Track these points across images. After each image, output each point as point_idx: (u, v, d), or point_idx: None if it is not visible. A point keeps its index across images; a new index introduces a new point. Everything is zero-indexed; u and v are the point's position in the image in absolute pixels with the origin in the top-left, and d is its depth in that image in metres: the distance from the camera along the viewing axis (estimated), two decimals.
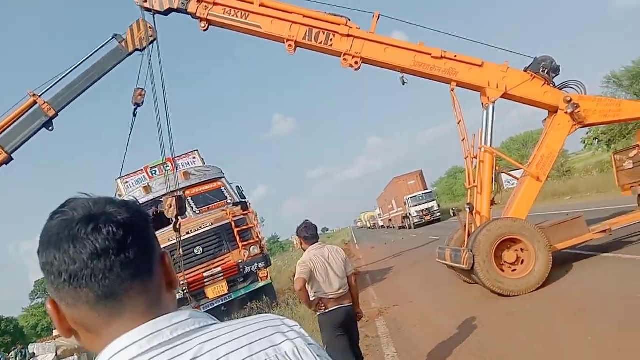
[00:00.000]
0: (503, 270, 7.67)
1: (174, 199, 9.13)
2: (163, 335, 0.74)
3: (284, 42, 8.22)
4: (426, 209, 36.77)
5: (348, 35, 8.24)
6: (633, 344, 4.42)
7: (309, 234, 4.74)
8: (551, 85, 8.46)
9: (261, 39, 8.59)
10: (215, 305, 9.60)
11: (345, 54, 8.28)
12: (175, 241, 9.33)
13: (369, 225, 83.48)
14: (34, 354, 17.29)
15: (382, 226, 63.20)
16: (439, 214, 37.08)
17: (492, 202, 8.74)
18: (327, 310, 4.48)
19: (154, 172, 11.30)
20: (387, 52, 8.39)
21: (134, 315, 0.76)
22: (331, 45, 8.28)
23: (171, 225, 9.21)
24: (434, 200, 38.25)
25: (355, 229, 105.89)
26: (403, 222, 42.35)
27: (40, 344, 18.14)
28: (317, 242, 4.75)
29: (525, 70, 8.52)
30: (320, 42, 8.24)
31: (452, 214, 10.00)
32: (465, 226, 9.13)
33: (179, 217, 9.26)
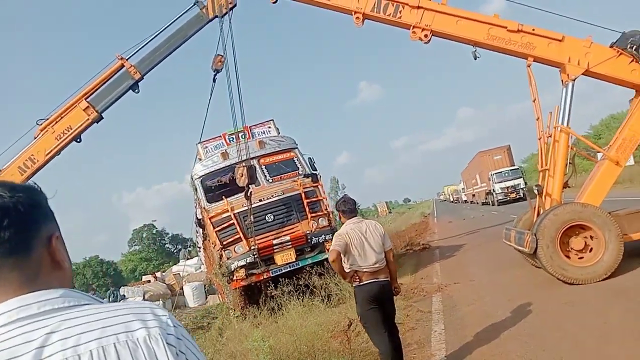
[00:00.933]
0: (569, 257, 7.35)
1: (245, 168, 9.51)
2: (30, 309, 0.84)
3: (351, 14, 8.16)
4: (511, 186, 35.17)
5: (418, 7, 7.99)
6: None
7: (347, 207, 4.86)
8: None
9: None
10: (283, 271, 9.92)
11: (414, 27, 8.08)
12: (247, 208, 9.84)
13: (451, 199, 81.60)
14: (124, 295, 19.04)
15: (465, 201, 61.60)
16: (524, 192, 35.44)
17: (565, 185, 8.30)
18: (361, 283, 4.61)
19: (231, 139, 11.70)
20: (459, 24, 8.08)
21: (6, 289, 0.88)
22: (400, 17, 8.10)
23: (248, 189, 9.63)
24: (520, 177, 36.38)
25: (437, 202, 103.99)
26: (486, 199, 41.02)
27: (130, 288, 19.95)
28: (355, 216, 4.85)
29: (611, 46, 7.86)
30: (389, 15, 8.08)
31: (522, 194, 9.59)
32: (534, 208, 8.82)
33: (250, 186, 9.65)
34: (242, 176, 9.52)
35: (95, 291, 23.31)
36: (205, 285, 19.47)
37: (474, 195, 50.63)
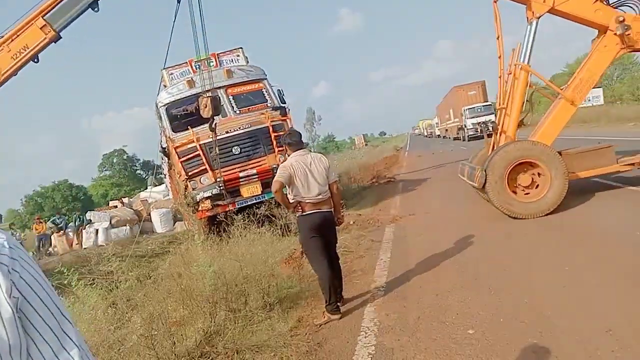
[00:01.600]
0: (516, 193, 7.63)
1: (210, 99, 9.31)
2: None
3: None
4: (483, 122, 35.50)
5: None
6: (602, 280, 4.48)
7: (293, 140, 4.90)
8: (604, 2, 7.73)
9: None
10: (249, 203, 9.94)
11: None
12: (211, 139, 9.72)
13: (425, 134, 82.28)
14: (90, 220, 19.07)
15: (438, 135, 62.16)
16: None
17: (521, 123, 8.46)
18: (304, 213, 4.75)
19: (197, 66, 11.31)
20: None
21: None
22: None
23: (212, 121, 9.49)
24: (492, 113, 36.56)
25: (412, 136, 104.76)
26: (458, 134, 41.45)
27: (97, 212, 19.93)
28: (302, 149, 4.91)
29: None
30: None
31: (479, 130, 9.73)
32: (490, 144, 9.02)
33: (214, 117, 9.50)
34: (206, 107, 9.34)
35: (65, 215, 23.22)
36: (172, 212, 19.61)
37: (446, 130, 51.06)
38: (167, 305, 4.84)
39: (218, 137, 9.74)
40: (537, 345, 3.51)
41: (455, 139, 43.43)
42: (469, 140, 35.52)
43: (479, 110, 36.21)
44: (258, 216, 8.71)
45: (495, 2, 8.05)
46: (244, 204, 9.85)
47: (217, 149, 9.71)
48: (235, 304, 5.03)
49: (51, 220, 20.38)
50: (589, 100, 37.50)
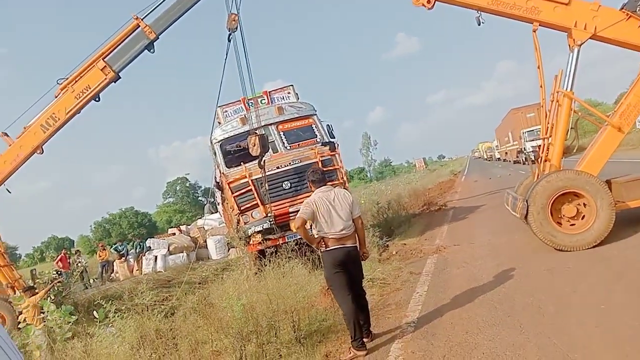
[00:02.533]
0: (560, 224, 7.37)
1: (257, 137, 9.65)
2: None
3: None
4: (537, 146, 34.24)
5: None
6: (637, 320, 4.26)
7: (316, 177, 5.05)
8: None
9: None
10: (298, 236, 10.03)
11: None
12: (260, 175, 10.00)
13: (485, 157, 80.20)
14: (149, 247, 19.93)
15: (498, 159, 60.47)
16: None
17: (567, 151, 8.21)
18: (327, 249, 4.85)
19: (250, 104, 11.75)
20: None
21: None
22: None
23: (261, 158, 9.75)
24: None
25: (471, 159, 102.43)
26: (517, 157, 40.17)
27: (155, 240, 20.82)
28: (324, 185, 5.03)
29: (621, 9, 7.55)
30: None
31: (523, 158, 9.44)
32: (534, 174, 8.79)
33: (263, 155, 9.76)
34: (254, 145, 9.65)
35: (128, 242, 24.42)
36: (227, 239, 20.16)
37: (506, 153, 49.62)
38: (198, 337, 5.03)
39: (269, 172, 10.03)
40: None
41: (515, 162, 42.12)
42: (530, 164, 34.32)
43: (537, 133, 34.97)
44: (291, 249, 8.82)
45: (535, 31, 7.93)
46: (293, 238, 9.92)
47: (266, 185, 9.98)
48: (266, 337, 5.16)
49: (113, 247, 21.48)
50: None
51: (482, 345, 4.48)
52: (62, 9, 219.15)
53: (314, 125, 11.10)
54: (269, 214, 10.10)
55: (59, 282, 12.56)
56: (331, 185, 10.22)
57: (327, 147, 10.78)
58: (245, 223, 10.24)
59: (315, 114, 11.34)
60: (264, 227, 10.12)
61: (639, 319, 4.27)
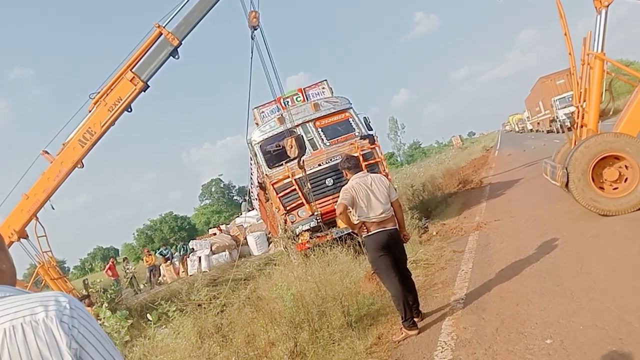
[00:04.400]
0: (603, 189, 7.24)
1: (293, 139, 9.71)
2: None
3: None
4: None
5: None
6: None
7: (351, 164, 5.13)
8: None
9: None
10: (345, 232, 10.08)
11: None
12: (302, 175, 10.05)
13: (517, 129, 78.27)
14: (193, 249, 20.45)
15: (530, 130, 59.12)
16: None
17: (602, 114, 8.04)
18: (370, 233, 4.92)
19: (286, 102, 11.76)
20: None
21: None
22: None
23: (300, 158, 9.82)
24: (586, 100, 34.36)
25: (503, 133, 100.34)
26: (550, 126, 39.21)
27: (198, 241, 21.33)
28: (360, 171, 5.10)
29: None
30: None
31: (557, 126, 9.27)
32: (571, 140, 8.63)
33: (301, 156, 9.83)
34: (291, 147, 9.70)
35: (171, 245, 25.08)
36: (266, 234, 20.47)
37: (538, 123, 48.47)
38: (253, 329, 5.20)
39: (311, 171, 10.07)
40: (616, 353, 3.40)
41: (548, 131, 41.11)
42: (563, 132, 33.50)
43: (569, 99, 34.04)
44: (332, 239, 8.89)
45: None
46: (341, 234, 9.94)
47: (308, 184, 10.00)
48: (317, 324, 5.29)
49: (158, 252, 22.10)
50: None
51: (534, 315, 4.49)
52: (83, 25, 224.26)
53: (351, 119, 11.05)
54: (315, 212, 10.15)
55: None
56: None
57: (367, 141, 10.72)
58: (292, 222, 10.30)
59: (352, 107, 11.27)
60: (311, 226, 10.17)
61: None
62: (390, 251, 4.94)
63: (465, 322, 4.87)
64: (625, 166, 7.12)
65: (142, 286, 19.84)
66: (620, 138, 7.15)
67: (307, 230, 10.15)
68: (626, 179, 7.14)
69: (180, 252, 20.68)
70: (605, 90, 7.94)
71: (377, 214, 4.87)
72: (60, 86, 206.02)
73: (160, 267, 21.05)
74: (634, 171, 7.02)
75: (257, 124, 11.93)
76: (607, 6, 7.53)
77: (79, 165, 12.26)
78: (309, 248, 10.12)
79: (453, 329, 4.81)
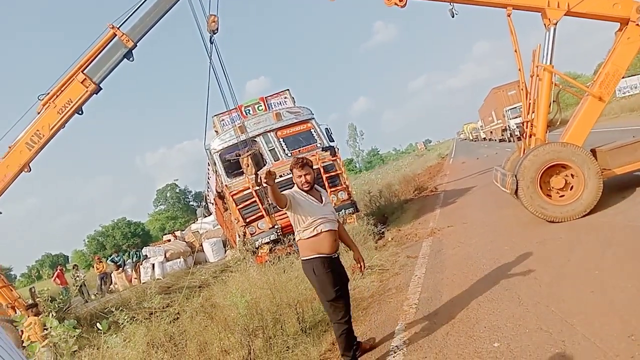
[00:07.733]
0: (550, 196, 7.51)
1: (249, 157, 9.56)
2: None
3: None
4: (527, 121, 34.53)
5: None
6: (629, 282, 4.39)
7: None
8: None
9: None
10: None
11: None
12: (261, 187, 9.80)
13: (471, 138, 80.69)
14: (146, 256, 19.93)
15: (484, 138, 60.94)
16: None
17: (550, 124, 8.36)
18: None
19: (247, 111, 11.62)
20: None
21: None
22: None
23: (257, 176, 9.53)
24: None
25: (458, 142, 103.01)
26: (502, 135, 40.56)
27: (151, 247, 20.83)
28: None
29: None
30: None
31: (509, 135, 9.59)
32: (520, 148, 8.93)
33: (259, 173, 9.52)
34: (247, 166, 9.58)
35: (123, 252, 24.35)
36: (223, 241, 20.21)
37: (491, 132, 50.02)
38: (206, 337, 5.10)
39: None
40: (559, 355, 3.52)
41: (500, 140, 42.52)
42: (515, 141, 34.66)
43: (520, 110, 35.30)
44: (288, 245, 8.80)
45: (509, 15, 8.03)
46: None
47: (267, 199, 9.84)
48: (272, 331, 5.24)
49: (110, 259, 21.44)
50: (623, 90, 36.39)
51: (483, 319, 4.60)
52: (37, 25, 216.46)
53: (313, 130, 11.04)
54: (276, 225, 10.00)
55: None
56: (334, 190, 10.38)
57: (328, 152, 10.73)
58: (251, 234, 10.12)
59: (314, 118, 11.26)
60: (271, 239, 9.99)
61: (631, 281, 4.40)
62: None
63: (417, 327, 4.94)
64: (572, 175, 7.42)
65: (92, 295, 19.19)
66: (567, 148, 7.45)
67: (267, 243, 10.01)
68: (572, 187, 7.43)
69: (132, 259, 20.13)
70: (553, 101, 8.27)
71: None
72: (6, 87, 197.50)
73: (112, 275, 20.43)
74: (579, 180, 7.32)
75: (216, 132, 11.70)
76: (556, 24, 7.85)
77: (25, 169, 11.75)
78: (267, 261, 10.03)
79: (405, 333, 4.86)
